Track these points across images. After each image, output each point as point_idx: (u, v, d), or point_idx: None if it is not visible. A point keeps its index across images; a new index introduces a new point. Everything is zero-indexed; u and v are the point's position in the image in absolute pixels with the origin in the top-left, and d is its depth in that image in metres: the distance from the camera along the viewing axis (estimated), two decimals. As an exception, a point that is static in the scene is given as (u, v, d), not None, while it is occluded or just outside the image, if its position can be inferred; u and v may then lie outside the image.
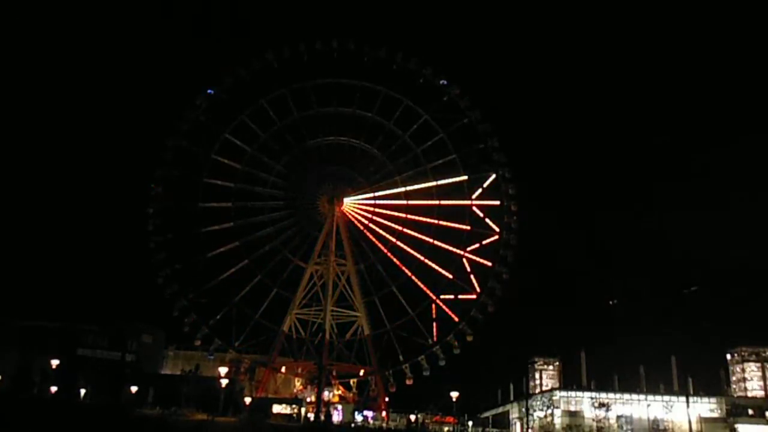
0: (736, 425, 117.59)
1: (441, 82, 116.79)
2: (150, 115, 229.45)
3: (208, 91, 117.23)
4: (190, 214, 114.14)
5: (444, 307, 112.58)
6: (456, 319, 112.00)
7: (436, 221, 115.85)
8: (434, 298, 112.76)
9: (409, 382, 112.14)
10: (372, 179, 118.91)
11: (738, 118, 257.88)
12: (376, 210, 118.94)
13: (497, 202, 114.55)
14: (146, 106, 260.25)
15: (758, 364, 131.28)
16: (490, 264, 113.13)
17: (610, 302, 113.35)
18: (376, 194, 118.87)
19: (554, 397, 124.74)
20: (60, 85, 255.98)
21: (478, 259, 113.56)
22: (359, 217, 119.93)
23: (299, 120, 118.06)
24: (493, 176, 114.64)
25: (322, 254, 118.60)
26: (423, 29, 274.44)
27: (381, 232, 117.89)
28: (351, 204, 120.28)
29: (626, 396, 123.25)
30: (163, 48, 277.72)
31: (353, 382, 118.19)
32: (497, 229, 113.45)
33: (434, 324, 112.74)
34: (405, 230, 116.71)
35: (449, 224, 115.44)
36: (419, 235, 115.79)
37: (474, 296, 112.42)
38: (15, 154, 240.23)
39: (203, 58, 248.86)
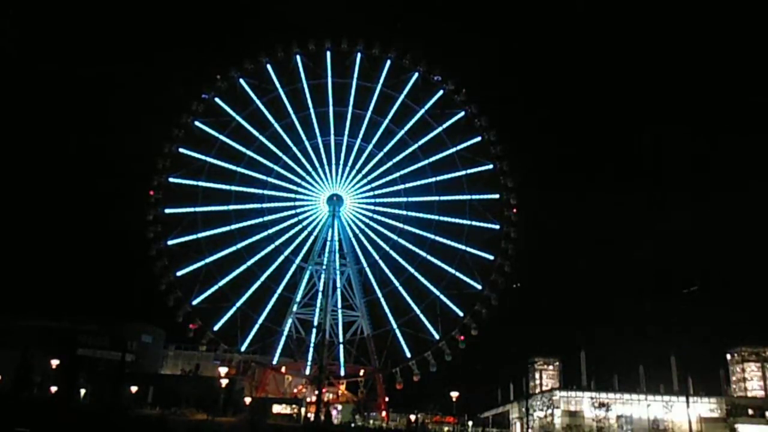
0: (736, 425, 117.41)
1: (435, 77, 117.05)
2: (150, 118, 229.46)
3: (203, 95, 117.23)
4: (189, 219, 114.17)
5: (448, 302, 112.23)
6: (461, 314, 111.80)
7: (436, 217, 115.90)
8: (438, 293, 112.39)
9: (416, 378, 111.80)
10: (371, 177, 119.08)
11: (742, 114, 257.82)
12: (376, 208, 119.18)
13: (496, 196, 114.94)
14: (145, 110, 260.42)
15: (758, 364, 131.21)
16: (491, 258, 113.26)
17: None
18: (376, 192, 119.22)
19: (554, 397, 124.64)
20: (60, 90, 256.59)
21: (479, 253, 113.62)
22: (359, 216, 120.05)
23: (296, 120, 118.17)
24: (492, 169, 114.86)
25: (322, 254, 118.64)
26: (417, 26, 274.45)
27: (382, 229, 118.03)
28: (351, 203, 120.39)
29: (626, 396, 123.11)
30: (158, 52, 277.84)
31: (360, 382, 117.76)
32: (497, 223, 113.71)
33: (438, 320, 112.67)
34: (405, 227, 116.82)
35: (449, 219, 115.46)
36: (420, 232, 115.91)
37: (477, 291, 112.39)
38: (16, 155, 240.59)
39: (198, 62, 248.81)
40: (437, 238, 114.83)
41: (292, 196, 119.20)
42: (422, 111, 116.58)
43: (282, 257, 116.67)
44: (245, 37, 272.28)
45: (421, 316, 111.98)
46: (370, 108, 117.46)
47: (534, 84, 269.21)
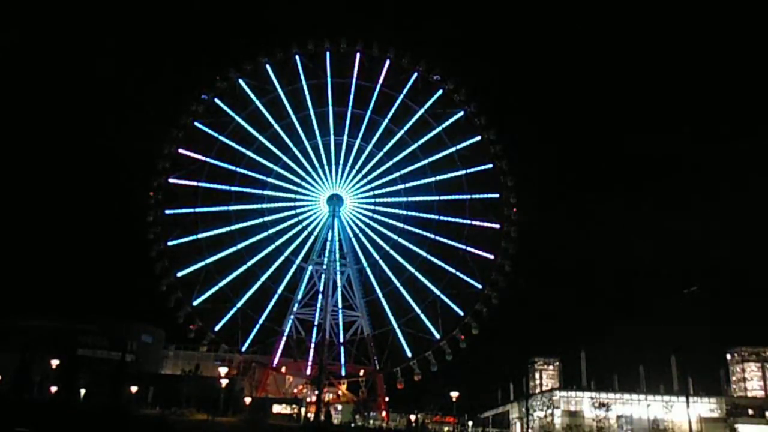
0: (736, 425, 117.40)
1: (434, 77, 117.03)
2: (150, 119, 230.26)
3: (202, 96, 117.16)
4: (189, 220, 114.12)
5: (448, 302, 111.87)
6: (461, 314, 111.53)
7: (436, 216, 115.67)
8: (438, 293, 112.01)
9: (417, 378, 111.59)
10: (371, 177, 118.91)
11: (738, 116, 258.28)
12: (376, 207, 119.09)
13: (496, 195, 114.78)
14: (145, 111, 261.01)
15: (758, 364, 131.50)
16: (492, 257, 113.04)
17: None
18: (376, 192, 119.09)
19: (554, 397, 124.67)
20: (60, 91, 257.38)
21: (479, 252, 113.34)
22: (359, 216, 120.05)
23: (295, 121, 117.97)
24: (492, 168, 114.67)
25: (322, 254, 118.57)
26: (415, 25, 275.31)
27: (382, 229, 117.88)
28: (351, 202, 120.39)
29: (626, 396, 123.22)
30: (158, 52, 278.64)
31: (361, 382, 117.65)
32: (498, 222, 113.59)
33: (439, 319, 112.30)
34: (405, 227, 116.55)
35: (450, 219, 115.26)
36: (420, 231, 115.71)
37: (477, 290, 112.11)
38: (17, 155, 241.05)
39: (197, 62, 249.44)
40: (437, 238, 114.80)
41: (292, 196, 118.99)
42: (422, 110, 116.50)
43: (282, 257, 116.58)
44: (244, 37, 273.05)
45: (422, 316, 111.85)
46: (370, 108, 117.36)
47: (534, 83, 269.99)
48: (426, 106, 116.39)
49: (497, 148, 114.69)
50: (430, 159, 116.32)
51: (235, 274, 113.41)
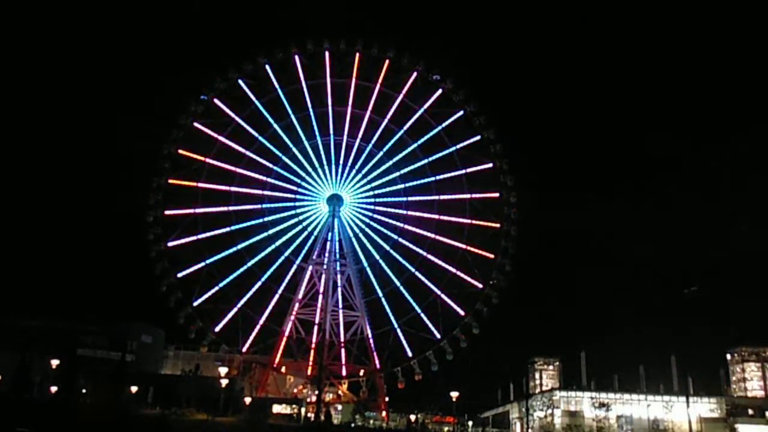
0: (736, 425, 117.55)
1: (434, 77, 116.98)
2: (149, 120, 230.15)
3: (202, 96, 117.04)
4: (189, 220, 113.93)
5: (449, 301, 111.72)
6: (462, 313, 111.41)
7: (436, 216, 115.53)
8: (438, 293, 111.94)
9: (418, 378, 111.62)
10: (370, 177, 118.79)
11: (738, 116, 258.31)
12: (377, 207, 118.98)
13: (496, 194, 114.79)
14: (145, 112, 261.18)
15: (758, 364, 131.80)
16: (492, 256, 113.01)
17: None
18: (376, 192, 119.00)
19: (554, 397, 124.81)
20: (64, 90, 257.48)
21: (480, 252, 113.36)
22: (360, 216, 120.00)
23: (295, 121, 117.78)
24: (492, 167, 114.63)
25: (322, 254, 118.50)
26: (415, 25, 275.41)
27: (382, 229, 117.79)
28: (351, 202, 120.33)
29: (626, 396, 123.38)
30: (157, 53, 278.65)
31: (362, 382, 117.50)
32: (498, 221, 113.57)
33: (440, 319, 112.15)
34: (406, 226, 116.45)
35: (450, 218, 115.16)
36: (420, 231, 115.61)
37: (478, 289, 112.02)
38: (17, 156, 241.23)
39: (197, 63, 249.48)
40: (437, 237, 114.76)
41: (292, 196, 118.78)
42: (421, 110, 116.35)
43: (282, 258, 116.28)
44: (244, 37, 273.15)
45: (422, 316, 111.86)
46: (370, 108, 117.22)
47: (534, 83, 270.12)
48: (426, 106, 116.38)
49: (497, 147, 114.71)
50: (430, 159, 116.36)
51: (235, 275, 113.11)
